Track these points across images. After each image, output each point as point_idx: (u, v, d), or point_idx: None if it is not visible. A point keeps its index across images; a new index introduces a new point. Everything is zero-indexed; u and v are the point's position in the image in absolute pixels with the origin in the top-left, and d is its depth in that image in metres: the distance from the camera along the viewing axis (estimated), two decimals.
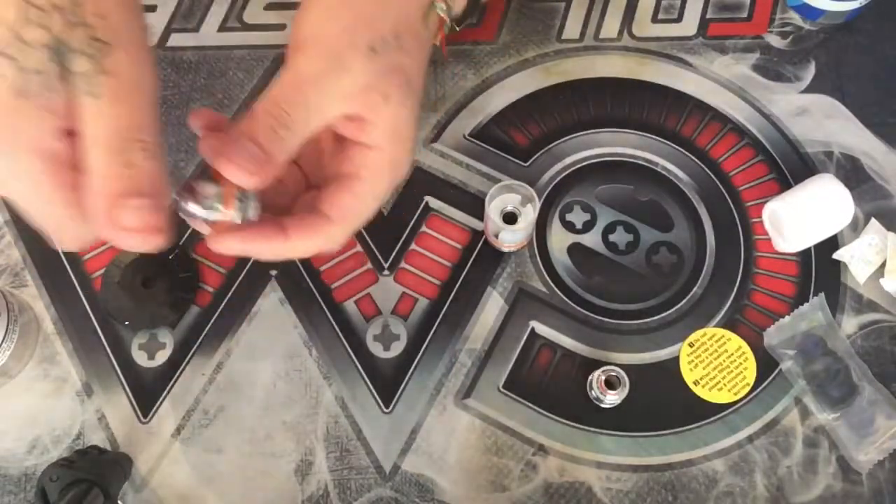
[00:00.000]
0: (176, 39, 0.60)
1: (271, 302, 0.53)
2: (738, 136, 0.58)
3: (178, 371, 0.51)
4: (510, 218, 0.51)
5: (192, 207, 0.34)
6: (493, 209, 0.50)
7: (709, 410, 0.50)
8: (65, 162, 0.31)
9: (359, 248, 0.54)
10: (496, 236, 0.52)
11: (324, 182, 0.39)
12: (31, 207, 0.32)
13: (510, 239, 0.52)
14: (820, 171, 0.56)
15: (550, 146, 0.57)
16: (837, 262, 0.54)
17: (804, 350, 0.50)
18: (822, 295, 0.52)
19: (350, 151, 0.38)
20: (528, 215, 0.50)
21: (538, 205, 0.52)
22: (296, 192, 0.40)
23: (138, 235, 0.31)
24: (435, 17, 0.41)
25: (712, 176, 0.56)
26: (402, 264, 0.54)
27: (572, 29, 0.61)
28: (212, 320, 0.52)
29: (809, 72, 0.60)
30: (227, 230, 0.35)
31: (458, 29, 0.50)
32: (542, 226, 0.55)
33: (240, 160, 0.33)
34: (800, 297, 0.53)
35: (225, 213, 0.34)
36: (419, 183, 0.56)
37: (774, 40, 0.61)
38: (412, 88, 0.38)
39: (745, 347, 0.51)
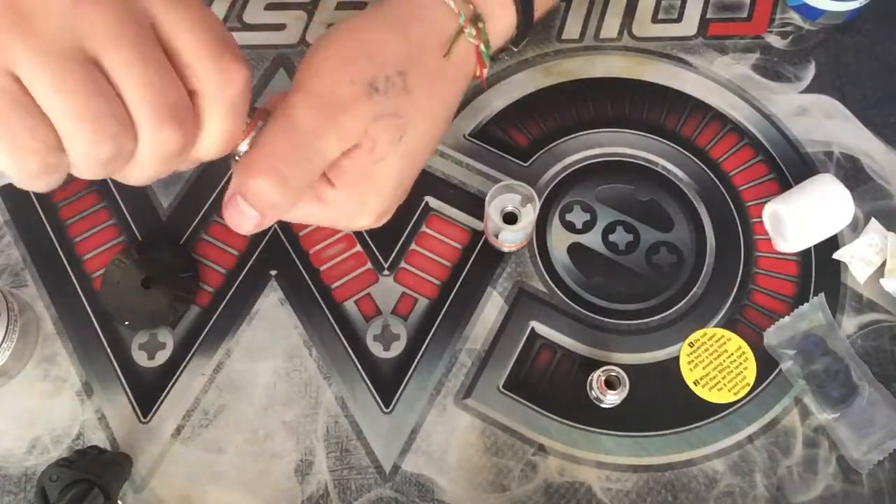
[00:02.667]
0: None
1: (271, 302, 0.53)
2: (738, 136, 0.58)
3: (178, 371, 0.51)
4: (510, 218, 0.51)
5: None
6: (493, 209, 0.50)
7: (709, 410, 0.50)
8: None
9: (359, 248, 0.54)
10: (496, 236, 0.52)
11: None
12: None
13: (510, 239, 0.52)
14: (820, 171, 0.56)
15: (550, 146, 0.57)
16: (837, 262, 0.54)
17: (804, 350, 0.50)
18: (822, 295, 0.52)
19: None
20: (528, 215, 0.50)
21: (538, 205, 0.52)
22: None
23: None
24: (465, 48, 0.37)
25: (712, 176, 0.56)
26: (402, 264, 0.54)
27: (572, 29, 0.61)
28: (212, 320, 0.52)
29: (809, 72, 0.60)
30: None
31: (515, 49, 0.45)
32: (542, 226, 0.55)
33: (239, 224, 0.33)
34: (800, 297, 0.53)
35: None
36: (419, 183, 0.55)
37: (774, 40, 0.61)
38: (406, 139, 0.36)
39: (745, 347, 0.51)
